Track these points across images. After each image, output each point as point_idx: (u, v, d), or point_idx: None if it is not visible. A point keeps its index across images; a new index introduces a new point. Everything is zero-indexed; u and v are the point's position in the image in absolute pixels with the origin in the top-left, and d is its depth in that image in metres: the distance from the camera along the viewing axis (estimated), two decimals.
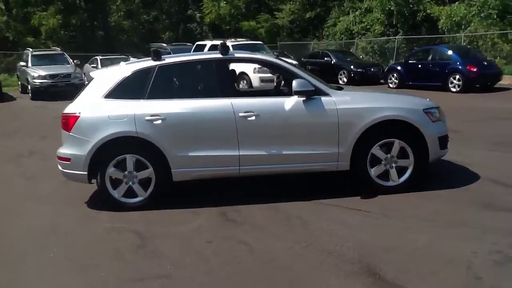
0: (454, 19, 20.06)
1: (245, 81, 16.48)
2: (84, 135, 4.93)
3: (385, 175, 5.18)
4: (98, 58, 20.18)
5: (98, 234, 4.43)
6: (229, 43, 16.48)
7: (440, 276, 3.29)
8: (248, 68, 15.41)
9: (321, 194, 5.18)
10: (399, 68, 16.89)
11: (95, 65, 20.07)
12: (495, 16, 18.94)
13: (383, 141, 5.08)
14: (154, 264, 3.69)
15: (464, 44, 18.99)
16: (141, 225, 4.57)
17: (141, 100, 4.97)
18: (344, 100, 5.08)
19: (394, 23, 22.55)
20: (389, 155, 5.11)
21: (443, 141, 5.26)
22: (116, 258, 3.84)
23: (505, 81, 15.59)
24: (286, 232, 4.26)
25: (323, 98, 5.03)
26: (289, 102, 4.99)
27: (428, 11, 21.03)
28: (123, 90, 5.04)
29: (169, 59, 5.18)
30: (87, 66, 20.76)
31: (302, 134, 5.04)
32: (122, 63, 5.42)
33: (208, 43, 17.88)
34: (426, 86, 14.95)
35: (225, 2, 30.78)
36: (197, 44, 18.55)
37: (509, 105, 11.85)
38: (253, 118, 4.92)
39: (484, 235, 3.94)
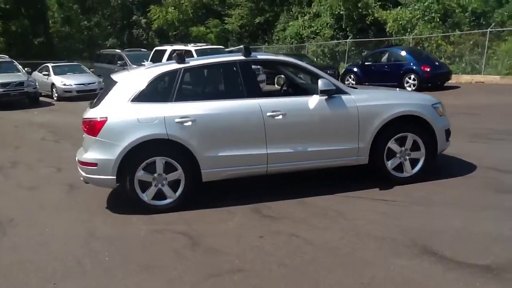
0: (400, 22, 21.22)
1: None
2: (113, 139, 4.86)
3: (399, 167, 5.51)
4: (50, 65, 19.42)
5: (142, 237, 4.39)
6: (192, 48, 16.53)
7: (495, 251, 3.61)
8: None
9: (340, 188, 5.40)
10: (355, 69, 17.64)
11: (46, 73, 19.27)
12: (437, 20, 20.29)
13: (398, 135, 5.41)
14: (220, 260, 3.74)
15: (411, 46, 20.12)
16: (181, 226, 4.58)
17: (169, 102, 4.98)
18: (363, 98, 5.37)
19: (343, 27, 23.45)
20: (403, 148, 5.44)
21: (448, 134, 5.69)
22: (178, 257, 3.85)
23: (453, 79, 16.76)
24: (329, 224, 4.45)
25: (343, 97, 5.28)
26: (313, 101, 5.20)
27: (376, 15, 22.06)
28: (149, 93, 5.03)
29: (193, 62, 5.22)
30: (36, 73, 19.85)
31: (326, 131, 5.26)
32: (143, 66, 5.39)
33: (168, 48, 17.70)
34: (383, 86, 15.70)
35: (173, 8, 30.51)
36: (155, 50, 18.26)
37: (462, 101, 12.74)
38: (280, 117, 5.08)
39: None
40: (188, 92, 5.12)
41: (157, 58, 17.79)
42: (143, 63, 6.09)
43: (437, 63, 16.33)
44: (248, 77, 5.24)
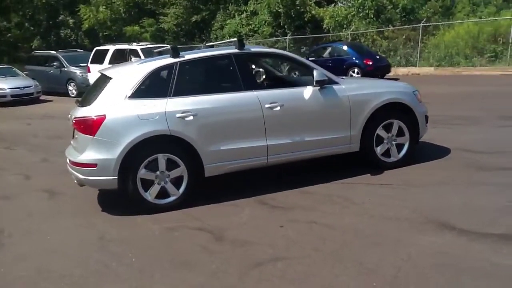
0: (336, 19, 22.03)
1: None
2: (113, 137, 4.68)
3: (386, 153, 5.77)
4: None
5: (158, 236, 4.28)
6: (137, 46, 16.12)
7: (505, 221, 3.93)
8: None
9: (333, 176, 5.55)
10: None
11: None
12: (371, 16, 21.29)
13: (385, 122, 5.67)
14: (254, 251, 3.75)
15: (348, 41, 20.96)
16: (194, 222, 4.52)
17: (167, 98, 4.87)
18: (353, 87, 5.57)
19: (281, 24, 23.90)
20: (390, 134, 5.71)
21: (427, 119, 6.05)
22: (208, 252, 3.80)
23: (391, 72, 17.69)
24: (340, 210, 4.58)
25: (335, 86, 5.45)
26: (308, 92, 5.31)
27: (313, 12, 22.72)
28: (146, 89, 4.90)
29: (188, 56, 5.13)
30: None
31: (320, 120, 5.40)
32: (134, 61, 5.22)
33: (111, 47, 17.13)
34: None
35: (104, 7, 29.43)
36: (96, 50, 17.62)
37: None
38: (278, 108, 5.14)
39: (503, 188, 4.73)
40: (186, 87, 5.03)
41: (98, 58, 17.19)
42: (132, 61, 5.75)
43: (378, 57, 17.16)
44: (244, 70, 5.25)
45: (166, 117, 4.76)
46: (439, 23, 20.16)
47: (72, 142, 5.26)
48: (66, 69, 18.58)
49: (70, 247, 4.17)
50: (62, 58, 18.89)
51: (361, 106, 5.49)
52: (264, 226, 4.30)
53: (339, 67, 16.58)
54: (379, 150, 5.68)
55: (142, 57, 15.45)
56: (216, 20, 27.84)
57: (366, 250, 3.61)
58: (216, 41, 27.49)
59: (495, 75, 15.70)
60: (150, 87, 4.92)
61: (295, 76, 6.12)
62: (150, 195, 4.84)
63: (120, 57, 16.50)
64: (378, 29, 21.06)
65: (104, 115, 4.69)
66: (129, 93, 4.80)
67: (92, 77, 17.29)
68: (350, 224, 4.18)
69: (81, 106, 5.09)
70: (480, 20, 19.68)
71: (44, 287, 3.43)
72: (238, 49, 5.24)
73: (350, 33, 21.37)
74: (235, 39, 5.32)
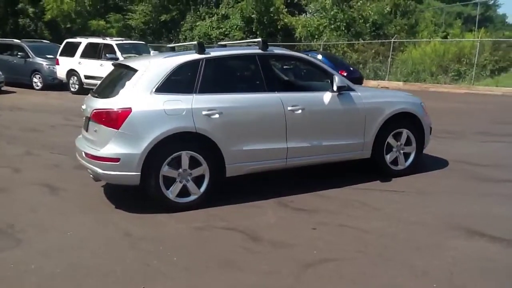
0: (308, 29, 22.40)
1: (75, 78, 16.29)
2: (138, 132, 4.53)
3: (394, 161, 5.92)
4: None
5: (189, 235, 4.17)
6: (113, 41, 15.71)
7: None
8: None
9: (343, 181, 5.61)
10: None
11: None
12: (343, 28, 21.82)
13: (395, 131, 5.82)
14: (297, 252, 3.72)
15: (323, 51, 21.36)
16: (221, 222, 4.44)
17: (193, 94, 4.78)
18: (368, 95, 5.70)
19: (253, 30, 24.01)
20: (399, 142, 5.87)
21: (430, 130, 6.27)
22: (251, 252, 3.74)
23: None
24: (364, 214, 4.64)
25: (352, 93, 5.55)
26: (327, 97, 5.37)
27: (286, 20, 22.99)
28: (172, 83, 4.77)
29: (213, 53, 5.05)
30: None
31: (338, 126, 5.47)
32: (154, 54, 5.08)
33: (84, 40, 16.56)
34: None
35: None
36: (67, 42, 16.97)
37: None
38: (300, 111, 5.16)
39: None
40: (211, 84, 4.94)
41: (68, 51, 16.61)
42: (133, 54, 5.60)
43: (351, 68, 17.54)
44: (267, 71, 5.23)
45: (192, 113, 4.67)
46: (409, 40, 20.95)
47: (86, 134, 5.03)
48: (31, 60, 17.74)
49: (97, 244, 3.97)
50: (28, 48, 18.02)
51: (375, 114, 5.61)
52: (295, 227, 4.29)
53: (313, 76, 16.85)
54: (388, 157, 5.82)
55: (118, 52, 15.12)
56: (185, 21, 27.56)
57: (409, 254, 3.68)
58: (185, 42, 27.27)
59: (461, 93, 16.48)
60: (176, 82, 4.80)
61: (307, 81, 6.16)
62: (171, 193, 4.71)
63: (93, 51, 16.05)
64: (349, 42, 21.60)
65: (130, 108, 4.53)
66: (156, 87, 4.67)
67: (61, 70, 16.69)
68: (380, 228, 4.24)
69: (100, 98, 4.89)
70: (445, 40, 20.63)
71: (89, 284, 3.25)
72: (262, 50, 5.22)
73: (322, 44, 21.77)
74: (259, 39, 5.30)
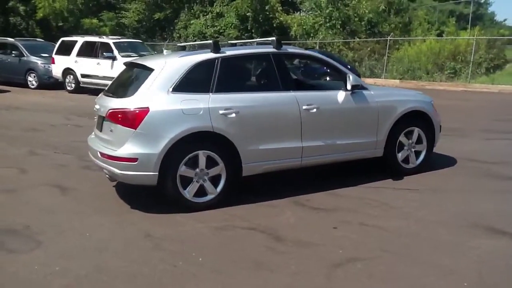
0: (304, 27, 22.40)
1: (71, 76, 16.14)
2: (156, 131, 4.49)
3: (405, 159, 5.94)
4: None
5: (212, 235, 4.14)
6: (110, 40, 15.58)
7: None
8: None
9: (357, 179, 5.62)
10: None
11: None
12: (338, 26, 21.86)
13: (407, 129, 5.83)
14: (322, 251, 3.72)
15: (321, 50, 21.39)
16: (241, 222, 4.42)
17: (210, 93, 4.75)
18: (381, 94, 5.70)
19: (249, 28, 23.97)
20: (410, 141, 5.89)
21: (441, 129, 6.29)
22: (277, 252, 3.72)
23: None
24: (382, 213, 4.64)
25: (365, 92, 5.55)
26: (341, 96, 5.37)
27: (281, 19, 22.98)
28: (189, 82, 4.73)
29: (228, 52, 5.02)
30: None
31: (352, 124, 5.47)
32: (167, 53, 5.05)
33: (80, 39, 16.40)
34: None
35: None
36: (62, 41, 16.77)
37: None
38: (314, 110, 5.16)
39: None
40: (227, 83, 4.90)
41: (64, 50, 16.44)
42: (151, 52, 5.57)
43: (349, 67, 17.54)
44: (282, 70, 5.22)
45: (209, 113, 4.64)
46: (405, 38, 21.04)
47: (100, 134, 4.97)
48: (26, 59, 17.54)
49: (119, 245, 3.94)
50: (22, 47, 17.81)
51: (388, 112, 5.62)
52: (316, 227, 4.29)
53: (311, 75, 16.82)
54: (400, 156, 5.83)
55: (115, 51, 15.00)
56: (179, 19, 27.43)
57: (433, 253, 3.68)
58: (179, 41, 27.15)
59: (457, 91, 16.60)
60: (192, 82, 4.76)
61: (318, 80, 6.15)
62: (188, 193, 4.68)
63: (90, 50, 15.90)
64: (344, 40, 21.65)
65: (148, 108, 4.48)
66: (172, 86, 4.63)
67: (57, 69, 16.52)
68: (401, 227, 4.25)
69: (115, 97, 4.84)
70: (441, 38, 20.76)
71: (121, 287, 3.21)
72: (276, 49, 5.20)
73: (318, 42, 21.79)
74: (273, 38, 5.28)
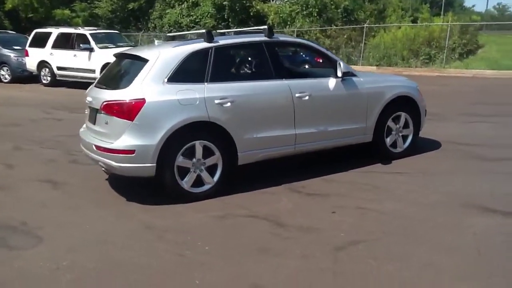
0: (281, 15, 22.40)
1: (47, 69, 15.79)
2: (153, 122, 4.49)
3: (393, 144, 6.08)
4: None
5: (214, 224, 4.18)
6: (87, 31, 15.28)
7: None
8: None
9: (347, 165, 5.73)
10: None
11: None
12: (315, 14, 21.94)
13: (395, 114, 5.96)
14: (325, 235, 3.81)
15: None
16: (241, 210, 4.47)
17: (205, 83, 4.76)
18: (369, 80, 5.81)
19: (225, 17, 23.81)
20: (397, 125, 6.03)
21: (426, 113, 6.45)
22: (281, 238, 3.79)
23: None
24: (376, 196, 4.76)
25: (354, 79, 5.64)
26: (332, 83, 5.44)
27: (258, 7, 22.90)
28: (183, 72, 4.73)
29: (222, 41, 5.01)
30: None
31: (342, 111, 5.57)
32: (159, 43, 5.03)
33: (54, 31, 16.01)
34: None
35: None
36: (36, 32, 16.36)
37: None
38: (307, 98, 5.23)
39: None
40: (221, 72, 4.92)
41: (38, 42, 16.06)
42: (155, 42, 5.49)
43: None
44: (274, 58, 5.25)
45: (205, 102, 4.65)
46: (382, 25, 21.27)
47: (93, 127, 4.92)
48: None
49: (122, 237, 3.93)
50: None
51: (376, 98, 5.74)
52: (314, 212, 4.38)
53: (290, 62, 16.90)
54: (388, 140, 5.96)
55: (92, 42, 14.73)
56: (154, 9, 27.03)
57: (432, 232, 3.81)
58: (154, 31, 26.82)
59: (433, 76, 16.93)
60: (187, 71, 4.75)
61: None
62: (186, 184, 4.70)
63: (65, 42, 15.56)
64: (321, 28, 21.76)
65: (144, 99, 4.47)
66: (168, 76, 4.62)
67: (31, 62, 16.13)
68: (397, 209, 4.37)
69: (109, 89, 4.79)
70: (415, 24, 21.07)
71: (136, 279, 3.22)
72: (268, 37, 5.23)
73: (295, 30, 21.84)
74: (265, 26, 5.31)
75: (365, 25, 20.34)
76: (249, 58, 5.38)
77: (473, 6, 52.60)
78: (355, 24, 21.46)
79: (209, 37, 4.91)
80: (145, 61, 4.68)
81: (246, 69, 5.35)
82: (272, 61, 5.19)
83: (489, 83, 14.54)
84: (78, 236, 4.00)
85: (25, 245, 3.82)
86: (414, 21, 23.23)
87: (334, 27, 21.57)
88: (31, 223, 4.30)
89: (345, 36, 21.15)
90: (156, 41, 5.49)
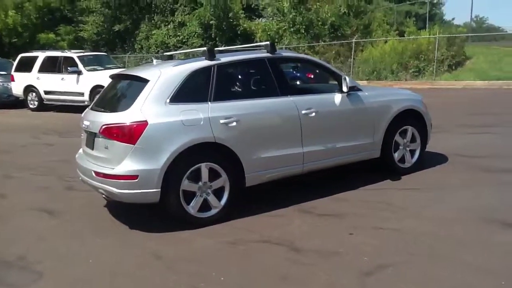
0: (268, 33, 22.42)
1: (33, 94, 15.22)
2: (157, 145, 4.25)
3: (401, 159, 5.91)
4: None
5: (226, 251, 3.93)
6: (74, 54, 15.03)
7: None
8: None
9: (353, 182, 5.53)
10: None
11: None
12: (302, 31, 22.00)
13: (401, 128, 5.81)
14: (347, 259, 3.58)
15: None
16: (252, 235, 4.23)
17: (208, 102, 4.55)
18: (375, 94, 5.66)
19: (213, 36, 23.76)
20: (405, 140, 5.87)
21: (431, 126, 6.31)
22: (300, 264, 3.55)
23: None
24: (393, 215, 4.54)
25: (360, 93, 5.49)
26: (337, 98, 5.28)
27: (245, 25, 22.92)
28: (186, 92, 4.52)
29: (224, 59, 4.83)
30: None
31: (349, 127, 5.39)
32: (158, 62, 4.85)
33: (41, 54, 15.74)
34: None
35: (14, 11, 27.02)
36: (21, 57, 16.07)
37: None
38: (313, 114, 5.04)
39: None
40: (224, 91, 4.73)
41: (24, 66, 15.77)
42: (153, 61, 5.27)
43: (317, 71, 17.65)
44: (278, 74, 5.09)
45: (210, 123, 4.44)
46: (370, 40, 21.38)
47: (91, 151, 4.67)
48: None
49: (130, 269, 3.66)
50: None
51: (383, 112, 5.59)
52: (331, 234, 4.15)
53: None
54: (396, 156, 5.79)
55: (80, 65, 14.49)
56: (140, 30, 26.90)
57: (460, 252, 3.61)
58: (141, 52, 26.66)
59: (424, 88, 16.92)
60: (190, 91, 4.55)
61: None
62: (192, 209, 4.45)
63: (52, 65, 15.29)
64: (309, 44, 21.80)
65: (146, 121, 4.24)
66: (169, 96, 4.41)
67: (17, 87, 15.81)
68: (416, 228, 4.17)
69: (107, 112, 4.56)
70: (403, 38, 21.22)
71: None
72: (270, 53, 5.06)
73: (283, 47, 21.84)
74: (267, 42, 5.14)
75: (354, 40, 20.42)
76: (253, 75, 5.19)
77: (453, 19, 53.42)
78: (343, 39, 21.55)
79: (210, 55, 4.72)
80: (145, 81, 4.46)
81: (250, 87, 5.15)
82: (276, 78, 5.02)
83: (481, 94, 14.57)
84: (81, 269, 3.72)
85: (24, 282, 3.55)
86: (400, 35, 23.39)
87: (322, 43, 21.61)
88: (29, 257, 4.01)
89: (334, 52, 21.21)
90: (154, 60, 5.28)
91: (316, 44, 21.70)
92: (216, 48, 5.41)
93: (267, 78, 5.03)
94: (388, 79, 19.25)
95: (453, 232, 4.01)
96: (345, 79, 5.22)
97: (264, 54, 5.08)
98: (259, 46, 5.33)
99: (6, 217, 5.17)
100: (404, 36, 21.87)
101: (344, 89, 5.22)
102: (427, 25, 25.41)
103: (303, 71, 16.60)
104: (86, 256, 3.95)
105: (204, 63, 4.70)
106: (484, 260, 3.43)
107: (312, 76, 16.47)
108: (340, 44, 21.51)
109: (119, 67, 15.65)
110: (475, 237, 3.87)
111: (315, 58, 5.82)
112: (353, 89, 5.32)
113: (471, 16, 37.84)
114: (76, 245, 4.25)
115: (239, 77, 5.14)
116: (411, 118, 5.89)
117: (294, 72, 16.64)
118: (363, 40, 21.35)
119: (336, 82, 5.47)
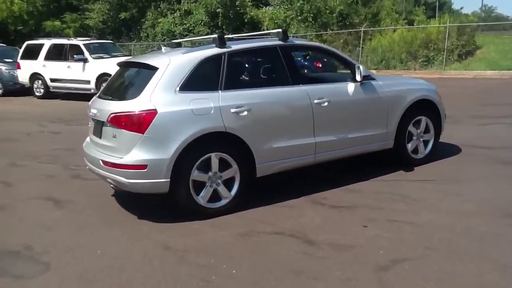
0: (276, 21, 22.17)
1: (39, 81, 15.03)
2: (166, 135, 4.14)
3: (415, 149, 5.77)
4: None
5: (237, 243, 3.83)
6: (80, 41, 14.91)
7: None
8: None
9: (367, 173, 5.41)
10: None
11: None
12: (310, 19, 21.74)
13: (415, 118, 5.66)
14: (362, 253, 3.47)
15: None
16: (265, 226, 4.13)
17: (219, 91, 4.43)
18: (389, 84, 5.51)
19: (219, 24, 23.53)
20: (418, 130, 5.72)
21: (445, 116, 6.16)
22: (314, 258, 3.44)
23: None
24: (407, 207, 4.43)
25: (373, 82, 5.34)
26: (351, 87, 5.14)
27: (252, 14, 22.66)
28: (196, 80, 4.39)
29: (234, 46, 4.69)
30: None
31: (363, 117, 5.26)
32: (166, 50, 4.71)
33: (46, 42, 15.63)
34: None
35: None
36: (27, 44, 15.97)
37: None
38: (326, 104, 4.91)
39: None
40: (235, 79, 4.60)
41: (30, 54, 15.68)
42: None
43: (325, 60, 17.44)
44: (290, 63, 4.95)
45: (220, 112, 4.32)
46: (377, 28, 21.11)
47: (99, 140, 4.57)
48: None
49: (139, 261, 3.57)
50: None
51: (397, 102, 5.44)
52: (344, 227, 4.04)
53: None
54: (410, 146, 5.66)
55: (86, 53, 14.37)
56: (146, 18, 26.69)
57: (479, 246, 3.49)
58: (147, 40, 26.47)
59: (434, 78, 16.69)
60: (200, 79, 4.42)
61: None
62: (202, 199, 4.35)
63: (58, 53, 15.19)
64: (317, 33, 21.55)
65: (156, 110, 4.12)
66: (179, 85, 4.29)
67: (23, 74, 15.74)
68: (433, 221, 4.05)
69: (116, 100, 4.45)
70: (412, 27, 20.94)
71: None
72: (282, 41, 4.92)
73: (291, 36, 21.59)
74: (279, 30, 5.00)
75: (362, 29, 20.15)
76: (264, 64, 5.06)
77: (461, 8, 52.80)
78: (351, 28, 21.27)
79: (221, 42, 4.58)
80: (154, 69, 4.34)
81: (261, 75, 5.02)
82: (288, 66, 4.88)
83: (491, 84, 14.35)
84: (89, 261, 3.63)
85: (31, 274, 3.46)
86: (409, 23, 23.10)
87: (330, 31, 21.36)
88: (36, 248, 3.93)
89: (342, 41, 20.97)
90: (163, 48, 5.15)
91: (324, 33, 21.45)
92: (226, 36, 5.26)
93: (279, 66, 4.89)
94: (397, 68, 19.03)
95: (471, 225, 3.89)
96: (358, 68, 5.07)
97: (276, 42, 4.93)
98: (270, 33, 5.18)
99: (12, 206, 5.09)
100: (413, 25, 21.57)
101: (358, 78, 5.08)
102: (436, 14, 25.04)
103: (311, 60, 16.43)
104: (93, 247, 3.86)
105: (214, 50, 4.56)
106: (504, 255, 3.30)
107: (320, 65, 16.31)
108: (348, 33, 21.26)
109: (126, 55, 15.53)
110: (493, 231, 3.75)
111: (328, 47, 5.66)
112: (366, 78, 5.18)
113: (482, 5, 37.23)
114: (83, 235, 4.16)
115: (250, 65, 5.02)
116: (425, 108, 5.74)
117: (302, 61, 16.47)
118: (371, 28, 21.08)
119: (348, 71, 5.34)
